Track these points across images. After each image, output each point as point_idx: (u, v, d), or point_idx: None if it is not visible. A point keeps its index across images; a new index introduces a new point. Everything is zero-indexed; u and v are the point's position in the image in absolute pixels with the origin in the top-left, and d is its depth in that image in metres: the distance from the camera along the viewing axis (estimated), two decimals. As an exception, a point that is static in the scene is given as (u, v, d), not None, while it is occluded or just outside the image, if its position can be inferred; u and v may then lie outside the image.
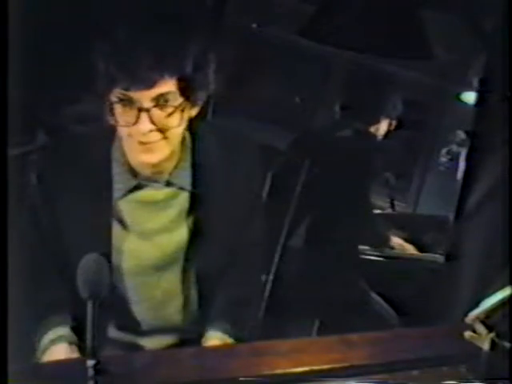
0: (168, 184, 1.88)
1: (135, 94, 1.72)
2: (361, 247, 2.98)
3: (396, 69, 3.10)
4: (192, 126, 1.88)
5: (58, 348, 1.84)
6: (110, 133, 1.86)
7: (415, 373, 1.63)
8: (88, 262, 1.48)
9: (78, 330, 1.86)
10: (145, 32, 1.72)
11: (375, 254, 3.00)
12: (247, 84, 3.28)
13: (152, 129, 1.74)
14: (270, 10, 3.27)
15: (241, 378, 1.57)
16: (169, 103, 1.74)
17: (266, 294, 2.00)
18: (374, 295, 2.88)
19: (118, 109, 1.75)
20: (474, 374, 1.62)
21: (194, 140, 1.91)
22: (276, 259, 2.09)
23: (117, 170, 1.87)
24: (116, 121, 1.76)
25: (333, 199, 2.84)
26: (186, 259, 1.93)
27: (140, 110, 1.73)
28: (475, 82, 2.87)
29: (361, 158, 3.00)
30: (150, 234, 1.91)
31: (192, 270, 1.94)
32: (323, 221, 2.89)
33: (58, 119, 2.77)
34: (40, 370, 1.66)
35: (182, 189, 1.89)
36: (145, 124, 1.73)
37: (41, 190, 1.91)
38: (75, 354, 1.83)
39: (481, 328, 1.62)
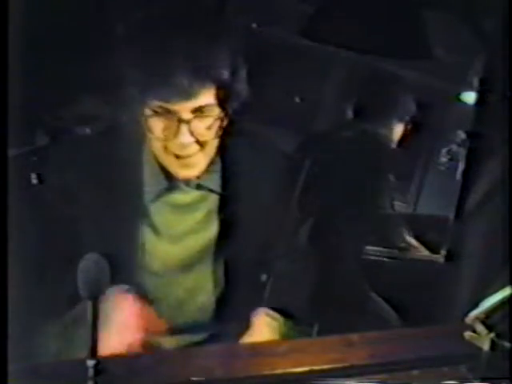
0: (198, 187, 1.88)
1: (174, 106, 1.70)
2: (360, 247, 2.97)
3: (396, 69, 3.09)
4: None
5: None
6: (139, 135, 1.85)
7: (415, 373, 1.62)
8: (88, 263, 1.48)
9: None
10: (178, 42, 1.69)
11: (376, 254, 2.99)
12: (247, 84, 3.28)
13: (192, 141, 1.73)
14: (270, 10, 3.27)
15: (241, 378, 1.57)
16: (207, 114, 1.72)
17: (266, 294, 2.00)
18: (374, 295, 2.88)
19: (154, 121, 1.73)
20: (474, 374, 1.61)
21: (223, 142, 1.91)
22: (276, 259, 2.09)
23: (148, 173, 1.87)
24: (152, 133, 1.74)
25: (336, 199, 2.84)
26: (213, 257, 1.94)
27: (180, 121, 1.70)
28: (475, 82, 2.87)
29: (366, 159, 3.00)
30: (176, 235, 1.91)
31: (218, 268, 1.95)
32: (325, 221, 2.89)
33: (58, 119, 2.76)
34: (40, 369, 1.66)
35: (211, 191, 1.89)
36: (185, 136, 1.72)
37: (61, 191, 1.92)
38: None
39: (481, 328, 1.62)
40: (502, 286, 1.62)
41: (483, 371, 1.60)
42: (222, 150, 1.89)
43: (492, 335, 1.60)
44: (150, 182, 1.86)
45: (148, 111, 1.72)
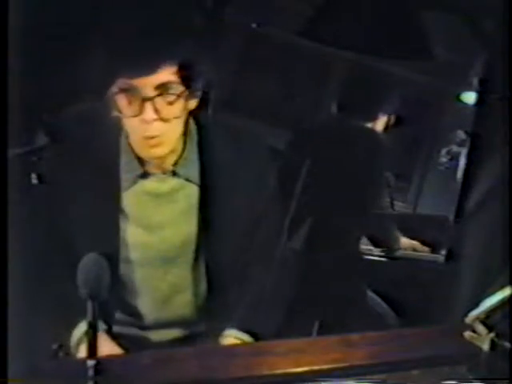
0: (173, 174, 1.89)
1: (139, 82, 1.73)
2: (360, 247, 2.97)
3: (396, 69, 3.10)
4: (198, 119, 1.91)
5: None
6: (115, 127, 1.87)
7: (415, 373, 1.63)
8: (88, 262, 1.48)
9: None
10: (144, 22, 1.75)
11: (375, 254, 2.99)
12: (246, 83, 3.28)
13: (155, 118, 1.75)
14: (270, 10, 3.27)
15: (241, 378, 1.57)
16: (170, 91, 1.75)
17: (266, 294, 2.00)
18: (373, 295, 2.88)
19: (122, 100, 1.77)
20: (474, 374, 1.61)
21: (200, 133, 1.92)
22: (276, 259, 2.10)
23: (125, 160, 1.89)
24: (120, 112, 1.78)
25: (333, 199, 2.84)
26: (195, 253, 1.94)
27: (144, 99, 1.74)
28: (475, 82, 2.87)
29: (361, 158, 3.00)
30: (155, 226, 1.92)
31: (201, 265, 1.95)
32: (323, 221, 2.89)
33: (58, 119, 2.77)
34: (40, 369, 1.66)
35: (188, 180, 1.90)
36: (149, 113, 1.76)
37: (47, 187, 1.92)
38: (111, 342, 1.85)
39: (481, 328, 1.62)
40: (502, 286, 1.62)
41: (483, 371, 1.60)
42: (200, 141, 1.91)
43: (492, 335, 1.60)
44: (126, 169, 1.88)
45: (114, 88, 1.75)
